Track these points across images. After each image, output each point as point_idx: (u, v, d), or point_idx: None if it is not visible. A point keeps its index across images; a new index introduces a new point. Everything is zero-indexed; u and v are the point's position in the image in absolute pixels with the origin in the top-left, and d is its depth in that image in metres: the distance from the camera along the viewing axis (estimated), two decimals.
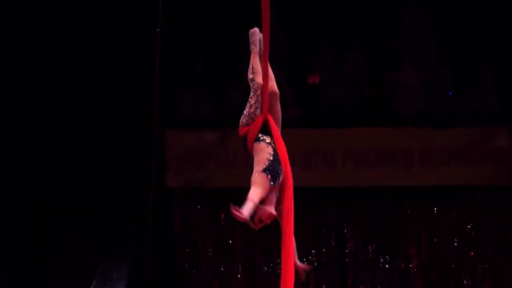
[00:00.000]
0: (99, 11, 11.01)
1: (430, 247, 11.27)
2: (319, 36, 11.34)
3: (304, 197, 10.94)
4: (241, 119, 5.55)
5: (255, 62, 5.69)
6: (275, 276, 11.25)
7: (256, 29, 5.66)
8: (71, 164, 11.19)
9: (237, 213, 4.82)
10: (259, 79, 5.56)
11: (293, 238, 5.46)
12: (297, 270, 5.46)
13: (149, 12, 10.54)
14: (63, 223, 11.09)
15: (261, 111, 5.45)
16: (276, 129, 5.41)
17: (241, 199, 11.65)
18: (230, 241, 11.34)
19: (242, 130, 5.55)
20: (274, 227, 9.17)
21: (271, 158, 5.27)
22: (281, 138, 5.40)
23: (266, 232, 10.91)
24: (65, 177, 11.13)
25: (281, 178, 5.27)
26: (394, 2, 11.45)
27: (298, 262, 5.58)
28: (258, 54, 5.70)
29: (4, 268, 10.83)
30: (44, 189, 11.11)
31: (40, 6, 11.17)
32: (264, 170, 5.17)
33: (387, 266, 11.38)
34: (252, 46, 5.72)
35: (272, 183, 5.21)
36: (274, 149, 5.29)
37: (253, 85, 5.58)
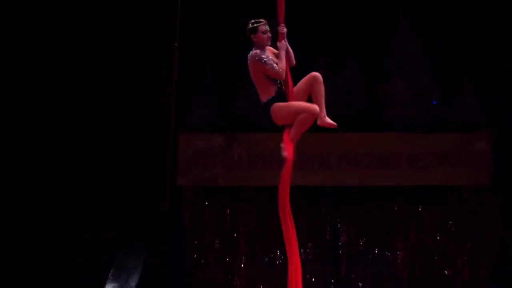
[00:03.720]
0: (119, 25, 11.09)
1: (415, 241, 11.31)
2: (318, 49, 11.40)
3: (302, 195, 11.11)
4: None
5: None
6: (274, 266, 11.54)
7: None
8: (95, 164, 11.34)
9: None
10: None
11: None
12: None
13: (165, 29, 10.72)
14: (84, 217, 11.19)
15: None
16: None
17: (244, 197, 11.42)
18: (235, 235, 11.49)
19: None
20: (271, 227, 9.92)
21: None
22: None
23: (266, 228, 11.31)
24: (89, 176, 11.29)
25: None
26: (386, 20, 11.54)
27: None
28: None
29: (29, 256, 10.90)
30: (70, 185, 11.29)
31: (53, 15, 11.12)
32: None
33: (376, 258, 11.49)
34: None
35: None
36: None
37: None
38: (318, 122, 5.75)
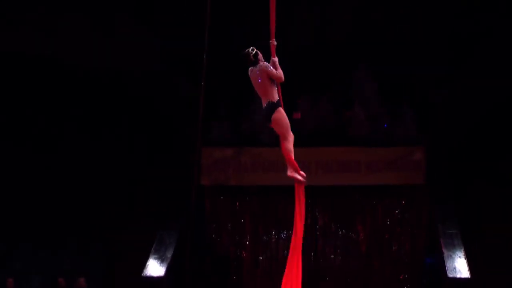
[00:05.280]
0: (164, 78, 13.09)
1: (371, 224, 12.70)
2: (302, 89, 13.02)
3: (290, 193, 10.58)
4: None
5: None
6: (270, 242, 12.85)
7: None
8: (146, 169, 13.37)
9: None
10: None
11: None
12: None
13: (191, 68, 12.08)
14: (136, 209, 13.15)
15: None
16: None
17: (249, 193, 13.32)
18: (242, 220, 12.95)
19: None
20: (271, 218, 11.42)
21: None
22: None
23: (264, 215, 12.79)
24: (141, 176, 13.28)
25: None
26: (349, 66, 13.32)
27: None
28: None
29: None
30: (126, 190, 13.27)
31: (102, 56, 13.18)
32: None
33: (344, 236, 12.77)
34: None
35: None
36: None
37: None
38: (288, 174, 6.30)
